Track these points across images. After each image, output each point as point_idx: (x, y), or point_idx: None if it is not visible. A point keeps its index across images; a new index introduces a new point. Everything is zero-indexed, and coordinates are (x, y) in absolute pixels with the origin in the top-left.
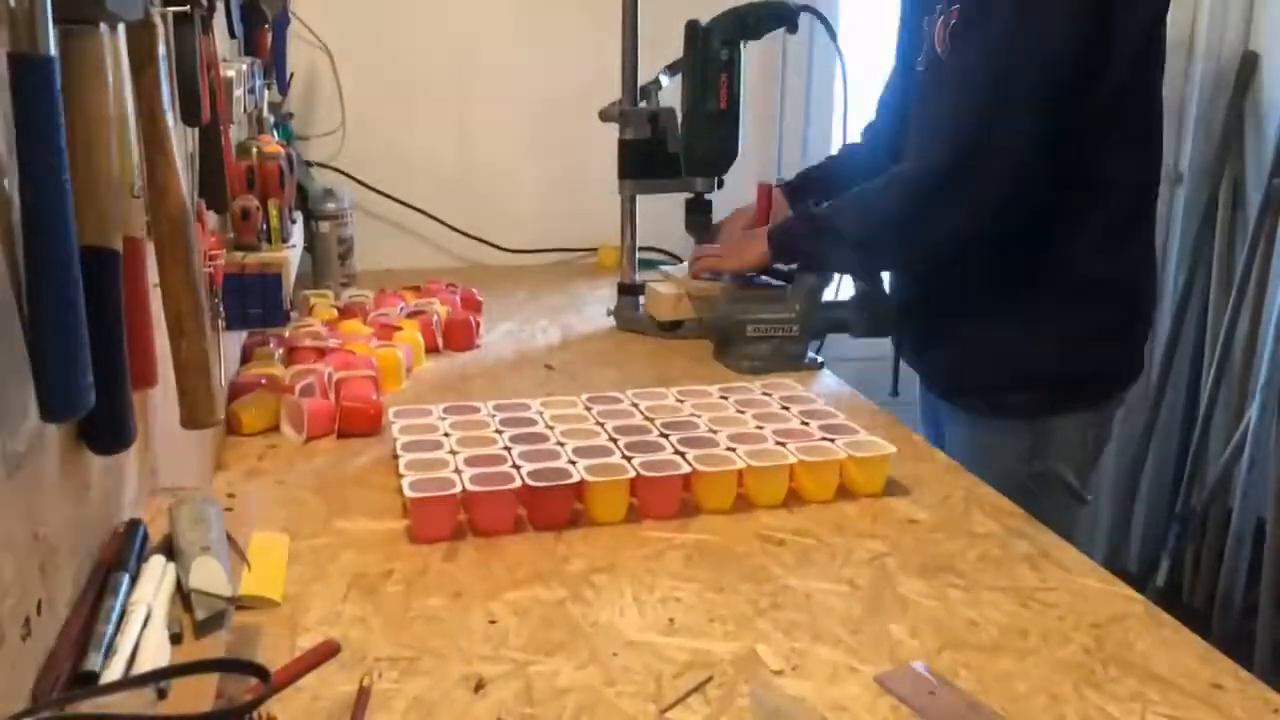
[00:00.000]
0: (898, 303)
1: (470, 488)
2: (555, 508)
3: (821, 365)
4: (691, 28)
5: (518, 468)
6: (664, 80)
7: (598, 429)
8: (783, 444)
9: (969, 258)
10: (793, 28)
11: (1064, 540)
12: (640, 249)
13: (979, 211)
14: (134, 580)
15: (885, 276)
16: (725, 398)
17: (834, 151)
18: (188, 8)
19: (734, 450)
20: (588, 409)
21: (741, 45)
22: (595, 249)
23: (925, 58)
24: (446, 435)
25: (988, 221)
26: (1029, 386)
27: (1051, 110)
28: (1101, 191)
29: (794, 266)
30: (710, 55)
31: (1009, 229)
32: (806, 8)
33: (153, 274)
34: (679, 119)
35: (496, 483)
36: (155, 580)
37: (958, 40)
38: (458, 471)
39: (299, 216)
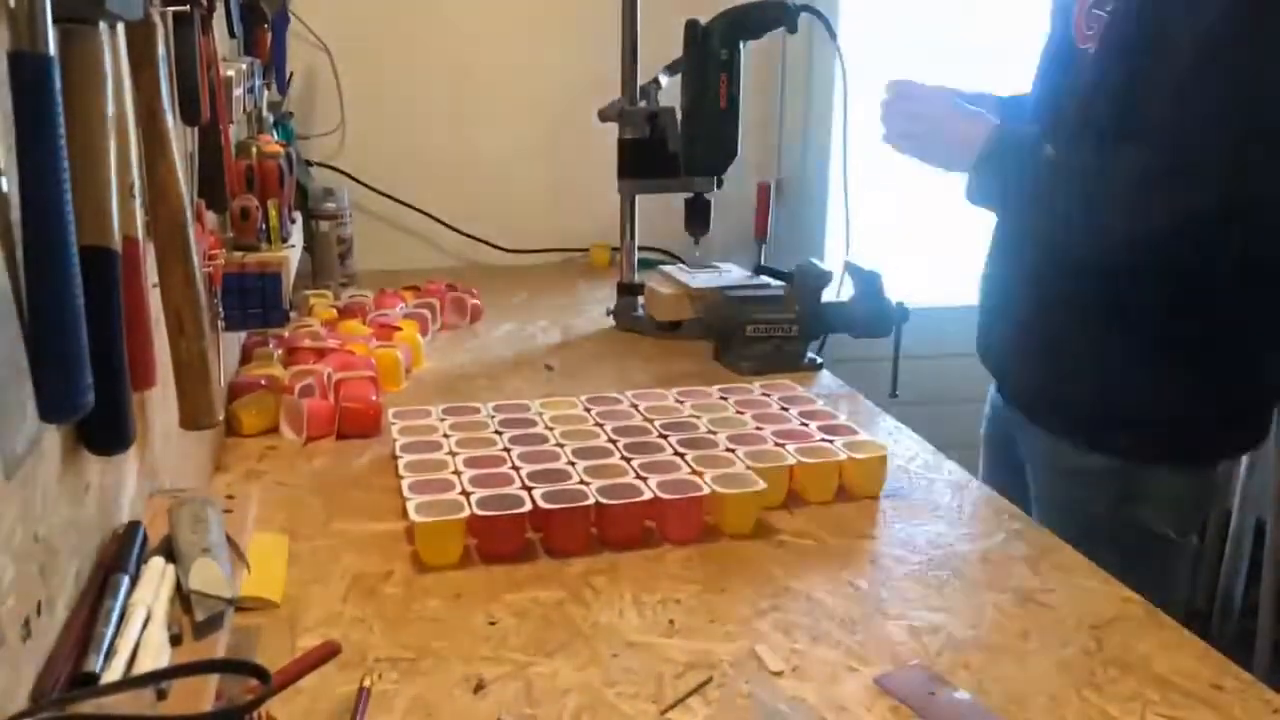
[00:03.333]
0: (990, 299)
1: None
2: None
3: (821, 366)
4: (691, 27)
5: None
6: (663, 80)
7: (597, 430)
8: (782, 445)
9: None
10: (792, 27)
11: (1146, 597)
12: (640, 249)
13: (1211, 215)
14: (134, 581)
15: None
16: (725, 398)
17: (834, 153)
18: (187, 7)
19: (735, 452)
20: (587, 410)
21: (741, 45)
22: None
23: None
24: (446, 436)
25: (1210, 230)
26: (1129, 425)
27: None
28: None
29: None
30: (710, 55)
31: (1217, 251)
32: (806, 7)
33: (152, 274)
34: (678, 118)
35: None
36: (155, 581)
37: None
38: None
39: (298, 216)
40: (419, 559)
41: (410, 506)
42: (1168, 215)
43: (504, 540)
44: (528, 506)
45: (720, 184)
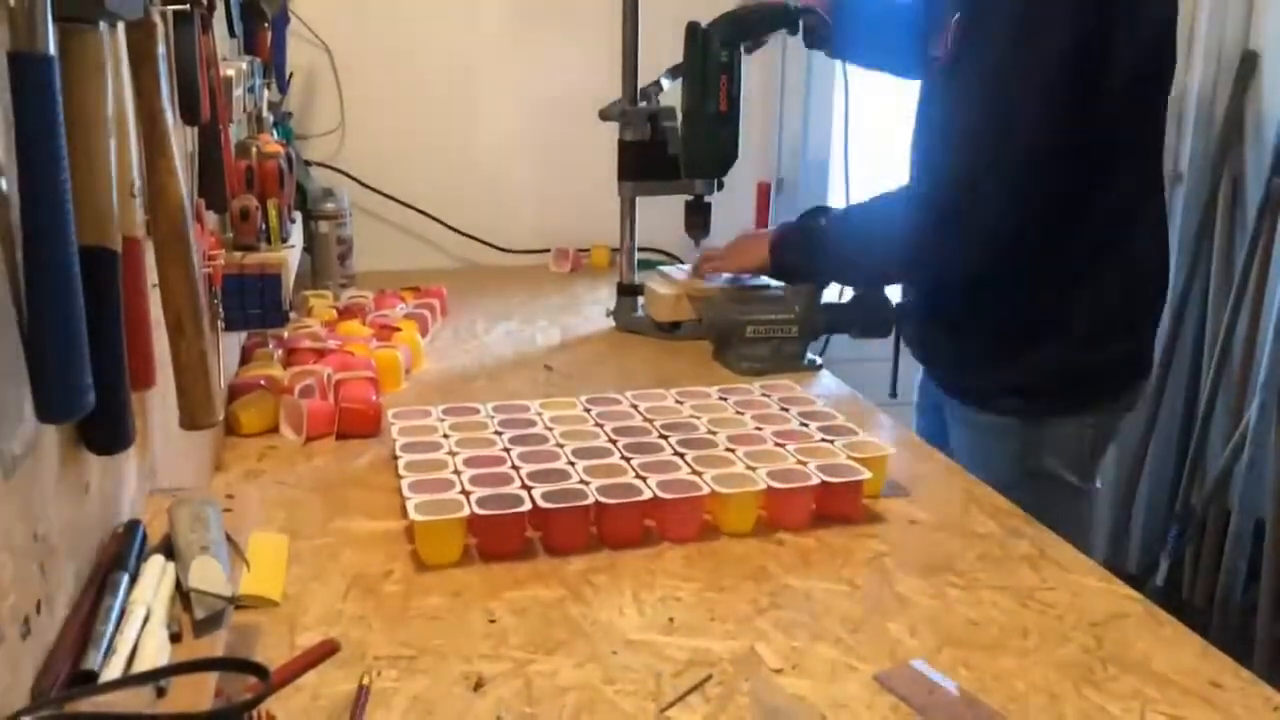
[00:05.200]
0: (901, 295)
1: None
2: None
3: (820, 366)
4: (691, 29)
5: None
6: (665, 83)
7: (597, 430)
8: (782, 445)
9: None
10: (793, 29)
11: (1063, 537)
12: (639, 249)
13: (982, 242)
14: (133, 580)
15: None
16: (725, 399)
17: (834, 153)
18: (187, 7)
19: (735, 452)
20: (587, 410)
21: (741, 47)
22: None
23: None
24: (446, 436)
25: (991, 250)
26: (1024, 392)
27: (1052, 134)
28: (1102, 193)
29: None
30: (710, 57)
31: (1011, 253)
32: (807, 9)
33: (152, 274)
34: (678, 118)
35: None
36: (154, 580)
37: (958, 63)
38: (465, 493)
39: (298, 216)
40: (419, 558)
41: (410, 506)
42: (955, 250)
43: (504, 539)
44: (527, 506)
45: (720, 186)
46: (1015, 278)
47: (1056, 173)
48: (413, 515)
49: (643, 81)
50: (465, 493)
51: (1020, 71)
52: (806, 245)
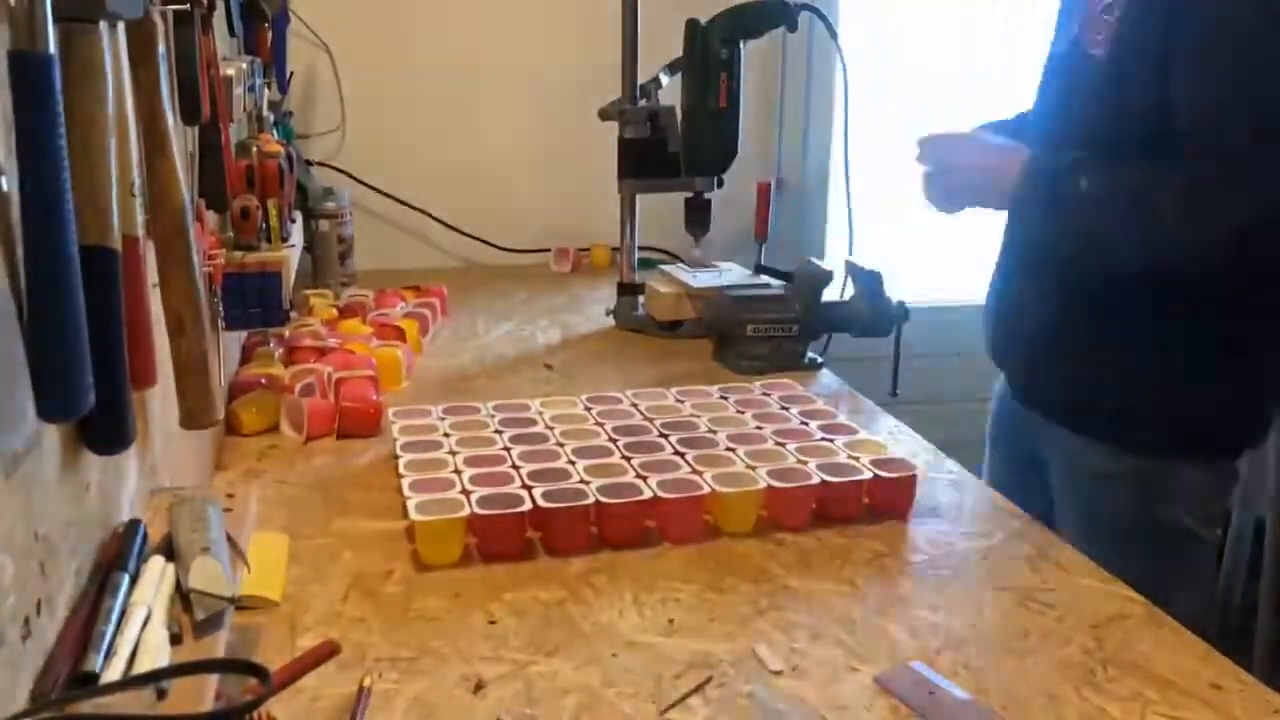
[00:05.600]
0: (1007, 307)
1: (479, 510)
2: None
3: (821, 365)
4: (691, 26)
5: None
6: (664, 79)
7: (597, 429)
8: (782, 445)
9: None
10: (792, 26)
11: (1183, 594)
12: (640, 248)
13: (1270, 205)
14: (134, 580)
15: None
16: (725, 398)
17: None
18: (188, 6)
19: (735, 452)
20: (587, 409)
21: (741, 44)
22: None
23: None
24: (446, 435)
25: (1272, 225)
26: (1156, 424)
27: None
28: None
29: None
30: (710, 54)
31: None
32: (807, 6)
33: (153, 274)
34: (679, 117)
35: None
36: (155, 580)
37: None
38: (465, 492)
39: (299, 216)
40: (419, 558)
41: (410, 505)
42: (1220, 229)
43: (504, 539)
44: (528, 505)
45: (720, 184)
46: (1252, 280)
47: None
48: (413, 515)
49: (642, 79)
50: (465, 492)
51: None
52: (1053, 208)
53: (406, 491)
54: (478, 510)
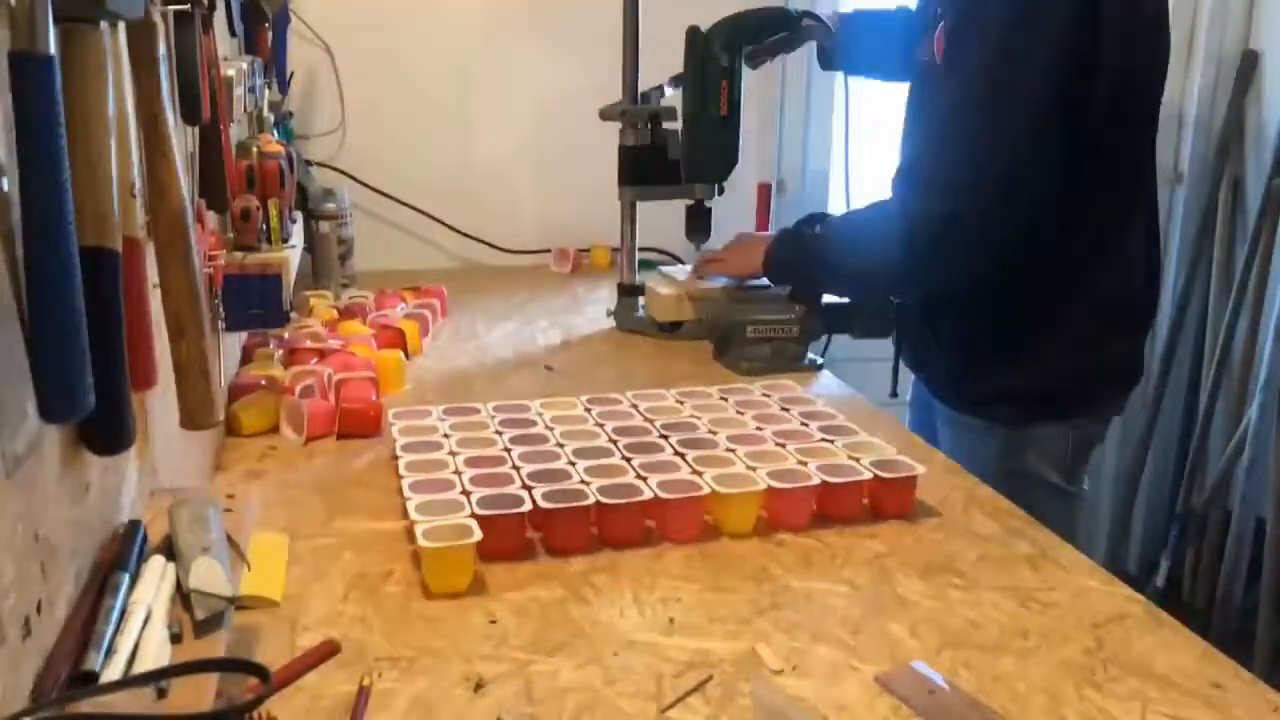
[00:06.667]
0: (898, 303)
1: (479, 510)
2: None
3: (821, 366)
4: (692, 34)
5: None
6: (668, 91)
7: (597, 430)
8: (782, 446)
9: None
10: (794, 32)
11: (1062, 538)
12: (640, 250)
13: (973, 255)
14: (134, 580)
15: None
16: (725, 399)
17: (834, 156)
18: (188, 6)
19: (736, 452)
20: (587, 410)
21: (742, 51)
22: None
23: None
24: (446, 436)
25: (982, 263)
26: (1009, 400)
27: (1041, 143)
28: (1091, 202)
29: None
30: (711, 62)
31: (1000, 264)
32: (808, 13)
33: (153, 274)
34: (679, 119)
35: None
36: (155, 580)
37: (947, 69)
38: (466, 493)
39: (299, 216)
40: (418, 558)
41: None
42: (954, 264)
43: (504, 539)
44: (528, 506)
45: (721, 191)
46: (1004, 289)
47: (1044, 181)
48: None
49: (643, 83)
50: (466, 493)
51: (1008, 81)
52: (800, 253)
53: (407, 492)
54: (478, 510)
